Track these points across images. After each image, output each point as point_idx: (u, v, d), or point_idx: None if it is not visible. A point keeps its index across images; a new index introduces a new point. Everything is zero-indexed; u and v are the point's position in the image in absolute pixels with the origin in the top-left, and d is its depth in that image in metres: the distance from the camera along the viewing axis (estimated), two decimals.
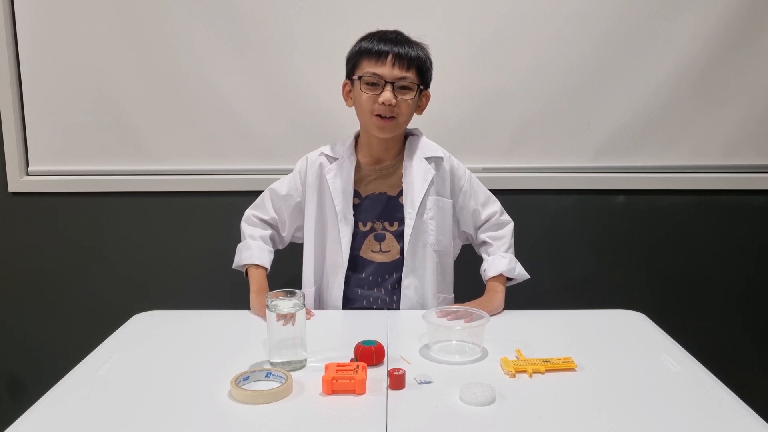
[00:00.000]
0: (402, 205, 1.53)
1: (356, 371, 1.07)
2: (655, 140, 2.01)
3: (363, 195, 1.55)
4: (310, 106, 1.98)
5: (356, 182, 1.54)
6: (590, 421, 0.97)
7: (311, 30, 1.94)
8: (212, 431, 0.95)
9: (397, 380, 1.07)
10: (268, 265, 1.57)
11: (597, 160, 2.03)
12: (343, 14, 1.92)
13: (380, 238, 1.55)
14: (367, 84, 1.44)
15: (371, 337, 1.18)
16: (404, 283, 1.53)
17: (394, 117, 1.45)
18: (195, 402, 1.03)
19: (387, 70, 1.42)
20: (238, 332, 1.36)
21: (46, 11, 1.94)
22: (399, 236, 1.54)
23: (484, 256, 1.60)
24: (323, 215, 1.56)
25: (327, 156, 1.56)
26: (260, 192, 1.64)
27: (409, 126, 1.54)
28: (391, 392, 1.06)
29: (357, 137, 1.58)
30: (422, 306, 1.54)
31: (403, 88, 1.44)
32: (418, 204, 1.51)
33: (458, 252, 1.68)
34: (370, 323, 1.39)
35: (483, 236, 1.60)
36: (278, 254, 1.63)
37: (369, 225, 1.55)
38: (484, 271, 1.57)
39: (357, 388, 1.05)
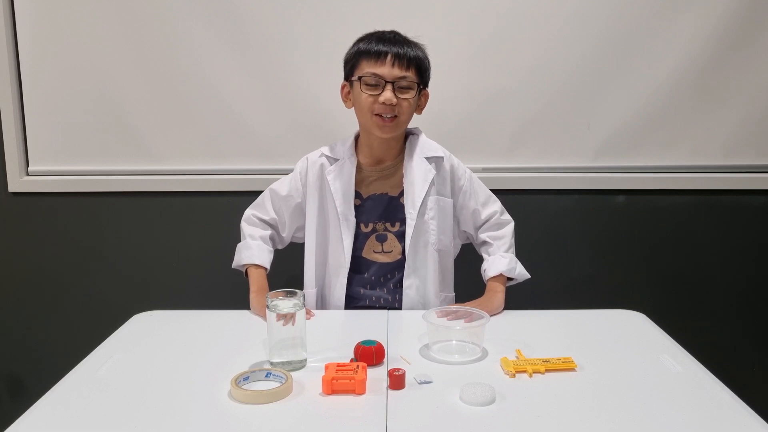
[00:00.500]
0: (403, 206, 1.53)
1: (356, 371, 1.07)
2: (655, 140, 2.01)
3: (364, 196, 1.55)
4: (310, 106, 1.98)
5: (357, 183, 1.54)
6: (590, 421, 0.97)
7: (311, 30, 1.94)
8: (212, 431, 0.95)
9: (397, 380, 1.07)
10: (268, 265, 1.56)
11: (597, 160, 2.03)
12: (343, 14, 1.92)
13: (382, 239, 1.55)
14: (367, 84, 1.44)
15: (371, 337, 1.18)
16: (406, 282, 1.53)
17: (395, 117, 1.45)
18: (195, 402, 1.03)
19: (387, 70, 1.43)
20: (238, 332, 1.36)
21: (46, 11, 1.94)
22: (400, 236, 1.54)
23: (484, 255, 1.60)
24: (325, 216, 1.56)
25: (327, 157, 1.56)
26: (260, 192, 1.64)
27: (409, 125, 1.54)
28: (391, 392, 1.06)
29: (357, 138, 1.58)
30: (424, 305, 1.54)
31: (403, 87, 1.44)
32: (419, 204, 1.51)
33: (458, 251, 1.68)
34: (370, 323, 1.39)
35: (483, 236, 1.60)
36: (278, 254, 1.63)
37: (371, 226, 1.55)
38: (485, 270, 1.57)
39: (357, 388, 1.05)
